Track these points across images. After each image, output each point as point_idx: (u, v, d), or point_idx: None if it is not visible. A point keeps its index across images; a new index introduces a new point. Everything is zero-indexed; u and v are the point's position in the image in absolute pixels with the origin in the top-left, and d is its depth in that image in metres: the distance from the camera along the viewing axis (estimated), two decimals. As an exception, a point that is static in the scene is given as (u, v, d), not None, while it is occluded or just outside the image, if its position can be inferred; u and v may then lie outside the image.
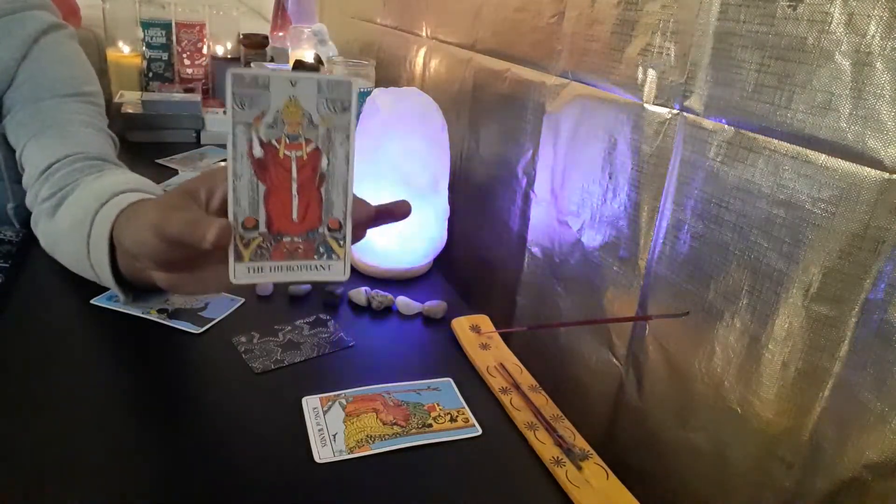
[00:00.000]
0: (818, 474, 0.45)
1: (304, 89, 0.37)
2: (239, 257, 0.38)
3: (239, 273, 0.39)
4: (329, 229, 0.39)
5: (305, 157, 0.38)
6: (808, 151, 0.44)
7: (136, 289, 0.58)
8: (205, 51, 1.62)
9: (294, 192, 0.39)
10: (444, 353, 0.66)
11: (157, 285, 0.45)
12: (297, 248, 0.39)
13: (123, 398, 0.54)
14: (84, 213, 0.57)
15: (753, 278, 0.49)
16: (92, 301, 0.65)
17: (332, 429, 0.52)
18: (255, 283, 0.39)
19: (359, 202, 0.41)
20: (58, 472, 0.45)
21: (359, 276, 0.80)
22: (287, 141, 0.38)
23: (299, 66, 1.31)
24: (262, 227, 0.38)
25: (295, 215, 0.39)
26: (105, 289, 0.64)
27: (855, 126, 0.41)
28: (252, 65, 1.53)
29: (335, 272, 0.40)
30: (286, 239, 0.39)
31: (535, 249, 0.80)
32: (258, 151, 0.38)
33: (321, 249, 0.40)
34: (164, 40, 1.58)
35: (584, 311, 0.71)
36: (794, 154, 0.45)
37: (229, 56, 1.68)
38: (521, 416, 0.56)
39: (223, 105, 1.43)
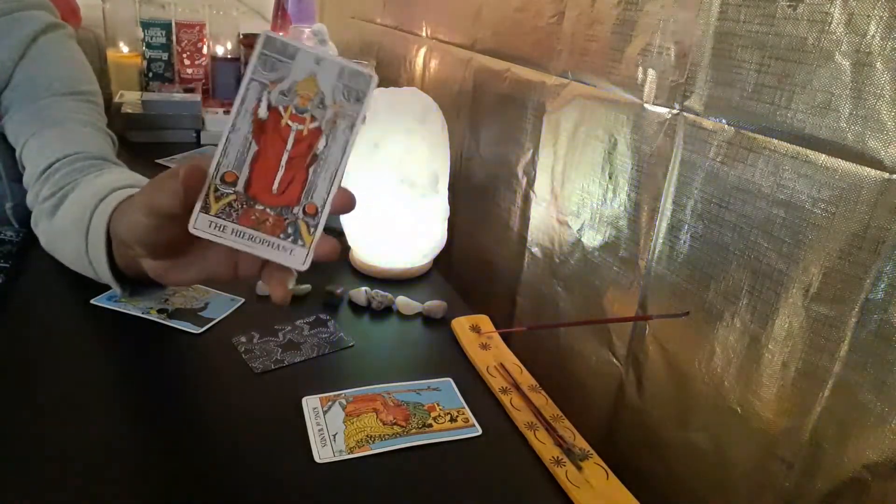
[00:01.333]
0: (818, 474, 0.45)
1: (327, 70, 0.38)
2: (206, 208, 0.38)
3: (200, 223, 0.38)
4: (304, 213, 0.39)
5: (306, 132, 0.38)
6: (808, 151, 0.44)
7: (134, 283, 0.58)
8: (205, 51, 1.62)
9: (283, 162, 0.39)
10: (444, 353, 0.66)
11: (151, 277, 0.45)
12: (266, 220, 0.39)
13: (123, 398, 0.54)
14: (83, 210, 0.58)
15: (753, 278, 0.49)
16: (92, 301, 0.65)
17: (332, 429, 0.52)
18: (212, 239, 0.39)
19: (343, 191, 0.40)
20: (58, 472, 0.45)
21: (359, 276, 0.80)
22: (294, 111, 0.38)
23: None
24: (240, 187, 0.38)
25: (276, 186, 0.39)
26: (105, 289, 0.64)
27: (855, 126, 0.41)
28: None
29: (295, 259, 0.39)
30: (259, 206, 0.39)
31: (535, 249, 0.80)
32: (263, 112, 0.38)
33: (289, 230, 0.39)
34: (164, 40, 1.58)
35: (584, 311, 0.71)
36: (794, 154, 0.45)
37: (229, 56, 1.68)
38: (521, 416, 0.56)
39: (223, 105, 1.43)
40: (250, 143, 0.38)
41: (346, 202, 0.40)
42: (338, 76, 0.38)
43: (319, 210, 0.39)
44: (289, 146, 0.38)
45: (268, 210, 0.39)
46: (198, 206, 0.38)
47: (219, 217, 0.38)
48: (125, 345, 0.61)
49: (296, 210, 0.39)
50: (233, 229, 0.39)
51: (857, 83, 0.41)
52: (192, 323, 0.64)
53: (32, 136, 0.72)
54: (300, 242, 0.39)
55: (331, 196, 0.39)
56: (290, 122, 0.38)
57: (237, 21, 1.80)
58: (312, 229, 0.39)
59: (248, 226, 0.39)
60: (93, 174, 0.67)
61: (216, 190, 0.38)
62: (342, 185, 0.39)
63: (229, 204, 0.38)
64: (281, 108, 0.38)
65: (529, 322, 0.82)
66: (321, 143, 0.39)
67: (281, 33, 1.65)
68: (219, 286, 0.70)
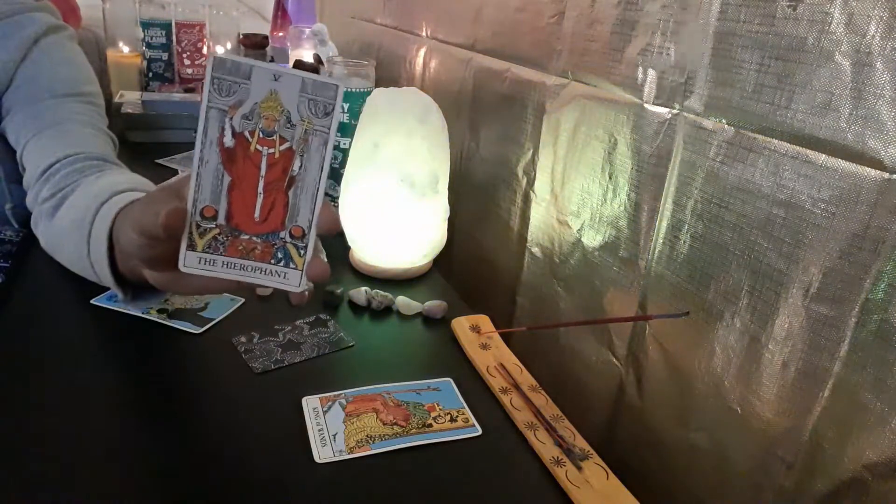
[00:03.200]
0: (818, 474, 0.45)
1: (287, 85, 0.36)
2: (192, 245, 0.37)
3: (189, 261, 0.37)
4: (291, 236, 0.38)
5: (277, 154, 0.37)
6: (808, 151, 0.44)
7: (136, 287, 0.58)
8: (205, 51, 1.62)
9: (260, 189, 0.37)
10: (444, 353, 0.66)
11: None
12: (254, 248, 0.38)
13: (123, 398, 0.54)
14: (84, 212, 0.58)
15: (753, 278, 0.49)
16: (92, 301, 0.65)
17: (332, 429, 0.52)
18: (205, 274, 0.38)
19: (327, 211, 0.39)
20: (57, 472, 0.45)
21: (359, 276, 0.80)
22: (261, 135, 0.36)
23: (299, 66, 1.31)
24: (221, 219, 0.37)
25: (257, 214, 0.37)
26: (105, 289, 0.64)
27: (855, 126, 0.41)
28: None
29: (290, 281, 0.38)
30: (244, 236, 0.38)
31: (535, 249, 0.80)
32: (229, 141, 0.36)
33: (279, 255, 0.38)
34: (164, 40, 1.58)
35: (584, 311, 0.71)
36: (794, 154, 0.45)
37: (229, 56, 1.68)
38: (521, 416, 0.56)
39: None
40: (222, 175, 0.37)
41: (332, 223, 0.39)
42: (300, 90, 0.36)
43: (306, 232, 0.38)
44: (262, 172, 0.37)
45: (254, 238, 0.38)
46: (183, 245, 0.37)
47: (206, 252, 0.37)
48: (125, 345, 0.61)
49: (282, 234, 0.38)
50: (223, 262, 0.38)
51: (857, 83, 0.41)
52: (192, 323, 0.64)
53: (33, 137, 0.72)
54: (292, 265, 0.38)
55: (315, 217, 0.38)
56: (259, 147, 0.37)
57: (237, 21, 1.80)
58: (302, 251, 0.38)
59: (237, 256, 0.38)
60: (93, 175, 0.67)
61: (198, 226, 0.37)
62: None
63: (214, 238, 0.37)
64: (247, 134, 0.36)
65: (529, 322, 0.82)
66: (296, 164, 0.37)
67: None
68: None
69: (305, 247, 0.38)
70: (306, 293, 0.40)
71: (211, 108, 0.36)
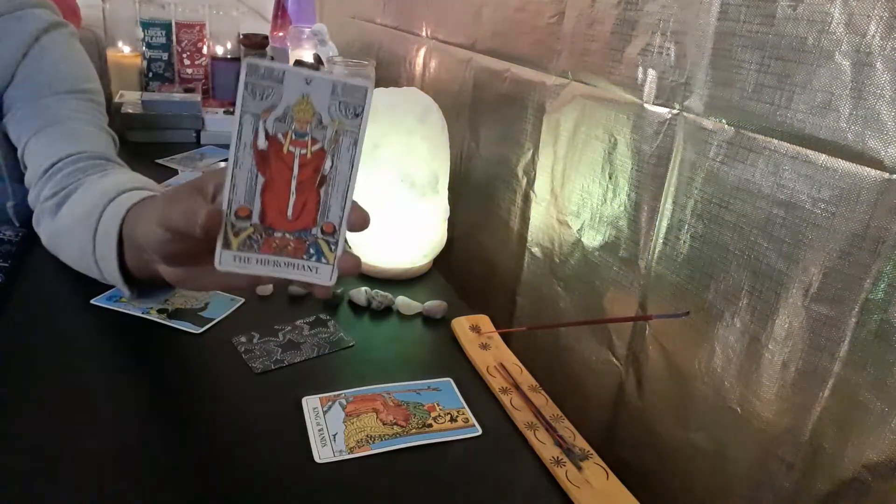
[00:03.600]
0: (818, 474, 0.45)
1: (319, 89, 0.37)
2: (227, 245, 0.38)
3: (224, 260, 0.38)
4: (322, 232, 0.39)
5: (309, 155, 0.38)
6: (808, 151, 0.44)
7: (142, 285, 0.58)
8: (205, 51, 1.62)
9: (293, 188, 0.38)
10: (444, 353, 0.66)
11: (162, 280, 0.46)
12: (287, 245, 0.39)
13: (123, 398, 0.54)
14: (91, 209, 0.57)
15: (753, 278, 0.49)
16: (92, 301, 0.65)
17: (332, 429, 0.52)
18: (240, 273, 0.39)
19: (357, 210, 0.40)
20: (57, 471, 0.45)
21: (359, 276, 0.80)
22: (293, 137, 0.38)
23: (299, 66, 1.31)
24: (255, 219, 0.38)
25: (290, 212, 0.39)
26: (106, 289, 0.64)
27: (855, 126, 0.41)
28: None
29: (322, 276, 0.40)
30: (277, 234, 0.39)
31: (535, 249, 0.80)
32: (262, 143, 0.37)
33: (311, 250, 0.39)
34: (164, 40, 1.58)
35: (584, 311, 0.71)
36: (794, 154, 0.45)
37: (229, 56, 1.68)
38: (521, 416, 0.56)
39: (223, 105, 1.43)
40: (256, 176, 0.38)
41: (362, 220, 0.40)
42: (331, 93, 0.37)
43: (337, 228, 0.39)
44: (295, 172, 0.38)
45: (287, 236, 0.39)
46: (219, 245, 0.38)
47: (241, 251, 0.39)
48: (125, 345, 0.61)
49: (314, 231, 0.39)
50: (257, 259, 0.39)
51: (857, 83, 0.41)
52: (192, 323, 0.64)
53: (35, 134, 0.72)
54: (324, 260, 0.39)
55: (346, 213, 0.39)
56: (291, 149, 0.38)
57: (237, 21, 1.80)
58: (333, 247, 0.39)
59: (271, 253, 0.39)
60: (97, 174, 0.67)
61: (233, 226, 0.38)
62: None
63: (248, 237, 0.39)
64: (280, 136, 0.37)
65: (529, 322, 0.82)
66: (327, 164, 0.38)
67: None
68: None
69: (336, 242, 0.39)
70: (331, 287, 0.41)
71: (245, 112, 0.37)
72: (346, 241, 0.40)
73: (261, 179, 0.38)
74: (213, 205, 0.38)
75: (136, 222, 0.51)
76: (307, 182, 0.38)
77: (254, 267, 0.39)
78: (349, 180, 0.39)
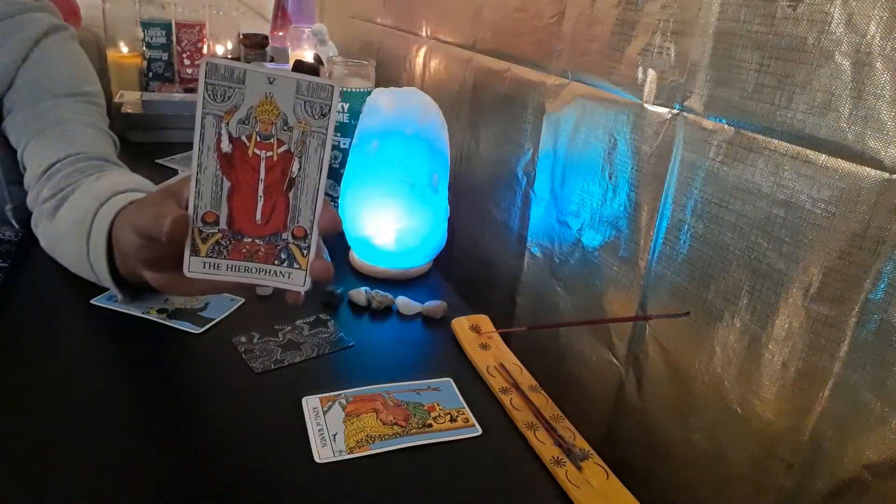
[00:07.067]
0: (818, 474, 0.45)
1: (282, 88, 0.36)
2: (195, 251, 0.37)
3: (193, 266, 0.38)
4: (293, 237, 0.38)
5: (276, 158, 0.37)
6: (808, 151, 0.44)
7: (134, 288, 0.58)
8: (205, 51, 1.62)
9: (260, 192, 0.37)
10: (444, 353, 0.66)
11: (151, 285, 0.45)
12: (257, 251, 0.38)
13: (123, 398, 0.54)
14: (84, 213, 0.57)
15: (753, 278, 0.49)
16: (92, 301, 0.65)
17: (332, 429, 0.52)
18: (210, 278, 0.38)
19: (327, 212, 0.39)
20: (57, 472, 0.45)
21: (359, 276, 0.80)
22: (258, 139, 0.36)
23: (299, 66, 1.31)
24: (223, 224, 0.37)
25: (258, 217, 0.38)
26: (105, 289, 0.64)
27: (855, 126, 0.41)
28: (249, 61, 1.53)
29: (294, 281, 0.39)
30: (247, 239, 0.38)
31: (535, 249, 0.80)
32: (226, 146, 0.36)
33: (283, 255, 0.38)
34: (164, 40, 1.58)
35: (584, 311, 0.71)
36: (794, 154, 0.45)
37: (229, 56, 1.68)
38: (521, 416, 0.56)
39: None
40: (221, 180, 0.37)
41: (333, 223, 0.39)
42: (296, 92, 0.36)
43: (308, 232, 0.38)
44: (261, 175, 0.37)
45: (257, 241, 0.38)
46: (187, 250, 0.37)
47: (210, 257, 0.38)
48: (125, 345, 0.61)
49: (285, 236, 0.38)
50: (227, 265, 0.38)
51: (857, 83, 0.41)
52: (192, 323, 0.64)
53: (34, 137, 0.72)
54: (296, 265, 0.39)
55: (316, 216, 0.38)
56: (256, 151, 0.37)
57: (237, 21, 1.80)
58: (305, 251, 0.39)
59: (241, 259, 0.38)
60: (94, 175, 0.67)
61: (200, 232, 0.37)
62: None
63: (217, 242, 0.38)
64: (244, 138, 0.36)
65: (529, 322, 0.82)
66: (295, 166, 0.37)
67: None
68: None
69: (308, 247, 0.39)
70: (302, 293, 0.40)
71: (206, 114, 0.36)
72: (321, 245, 0.40)
73: (226, 184, 0.37)
74: (182, 210, 0.37)
75: (121, 227, 0.50)
76: (275, 186, 0.37)
77: (224, 273, 0.38)
78: (318, 183, 0.38)
